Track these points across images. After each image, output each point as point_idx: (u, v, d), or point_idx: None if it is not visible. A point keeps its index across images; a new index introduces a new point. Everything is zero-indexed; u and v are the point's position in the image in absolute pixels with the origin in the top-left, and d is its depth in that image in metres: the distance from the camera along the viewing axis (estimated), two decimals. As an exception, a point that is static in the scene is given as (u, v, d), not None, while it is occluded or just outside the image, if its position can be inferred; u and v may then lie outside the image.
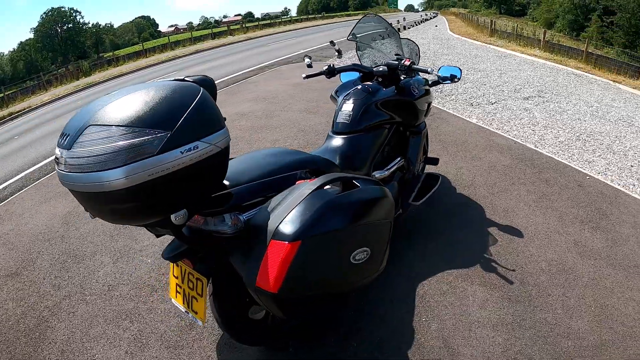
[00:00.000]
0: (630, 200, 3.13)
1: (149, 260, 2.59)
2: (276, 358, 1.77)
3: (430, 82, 2.57)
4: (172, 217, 1.07)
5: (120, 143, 0.95)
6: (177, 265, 1.49)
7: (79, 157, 0.98)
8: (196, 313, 1.40)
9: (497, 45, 13.68)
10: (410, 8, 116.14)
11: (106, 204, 1.02)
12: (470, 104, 5.97)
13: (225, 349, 1.83)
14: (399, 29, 18.33)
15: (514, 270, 2.23)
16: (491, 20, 17.42)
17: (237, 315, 1.53)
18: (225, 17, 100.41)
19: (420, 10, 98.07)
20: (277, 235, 1.11)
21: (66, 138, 1.01)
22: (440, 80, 2.34)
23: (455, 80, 2.28)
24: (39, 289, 2.46)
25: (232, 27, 30.22)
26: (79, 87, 15.43)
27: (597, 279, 2.19)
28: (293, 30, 26.90)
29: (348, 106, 2.04)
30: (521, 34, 15.21)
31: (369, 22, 2.42)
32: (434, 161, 2.92)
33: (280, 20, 43.74)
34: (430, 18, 32.99)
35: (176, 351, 1.86)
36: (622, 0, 23.30)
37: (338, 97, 2.22)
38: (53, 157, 1.08)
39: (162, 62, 18.09)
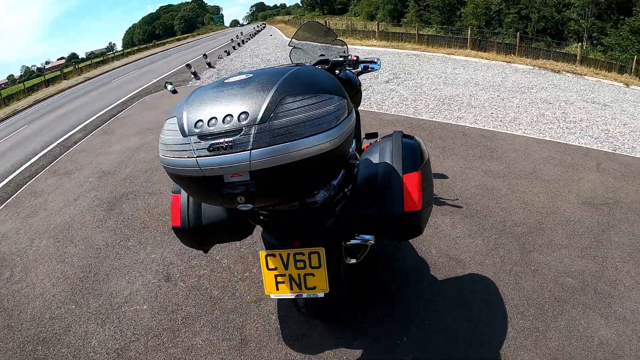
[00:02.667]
0: (504, 135, 4.27)
1: (145, 307, 2.33)
2: (339, 329, 1.93)
3: (356, 73, 3.08)
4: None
5: (326, 108, 1.11)
6: (274, 256, 1.53)
7: (282, 127, 1.07)
8: (313, 288, 1.52)
9: (339, 43, 15.50)
10: (235, 23, 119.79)
11: (298, 174, 1.13)
12: (347, 94, 6.87)
13: (296, 343, 1.90)
14: (239, 44, 19.01)
15: (457, 199, 2.96)
16: (325, 21, 19.53)
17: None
18: (47, 62, 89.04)
19: (245, 23, 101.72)
20: (407, 169, 1.46)
21: (244, 115, 1.08)
22: (364, 71, 2.74)
23: (372, 69, 2.69)
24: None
25: (65, 71, 27.15)
26: None
27: (511, 188, 3.06)
28: (131, 63, 25.38)
29: None
30: (356, 29, 17.50)
31: (307, 29, 2.81)
32: (374, 135, 3.47)
33: (112, 55, 40.93)
34: (261, 29, 34.82)
35: (247, 370, 1.83)
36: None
37: None
38: (210, 148, 1.09)
39: (1, 120, 15.31)
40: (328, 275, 1.52)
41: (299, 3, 77.05)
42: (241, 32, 28.81)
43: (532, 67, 9.74)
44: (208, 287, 2.39)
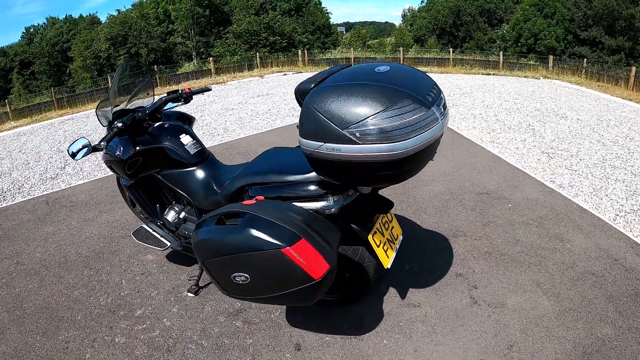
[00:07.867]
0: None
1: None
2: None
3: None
4: None
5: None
6: (376, 232, 1.86)
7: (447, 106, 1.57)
8: (397, 237, 2.02)
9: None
10: None
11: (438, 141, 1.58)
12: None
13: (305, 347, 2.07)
14: None
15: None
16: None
17: None
18: None
19: None
20: None
21: (435, 89, 1.52)
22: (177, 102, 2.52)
23: (184, 101, 2.52)
24: None
25: None
26: None
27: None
28: None
29: (188, 138, 2.34)
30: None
31: (120, 76, 2.49)
32: None
33: None
34: None
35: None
36: (35, 49, 26.22)
37: (160, 141, 2.28)
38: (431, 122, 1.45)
39: None
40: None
41: None
42: None
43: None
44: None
